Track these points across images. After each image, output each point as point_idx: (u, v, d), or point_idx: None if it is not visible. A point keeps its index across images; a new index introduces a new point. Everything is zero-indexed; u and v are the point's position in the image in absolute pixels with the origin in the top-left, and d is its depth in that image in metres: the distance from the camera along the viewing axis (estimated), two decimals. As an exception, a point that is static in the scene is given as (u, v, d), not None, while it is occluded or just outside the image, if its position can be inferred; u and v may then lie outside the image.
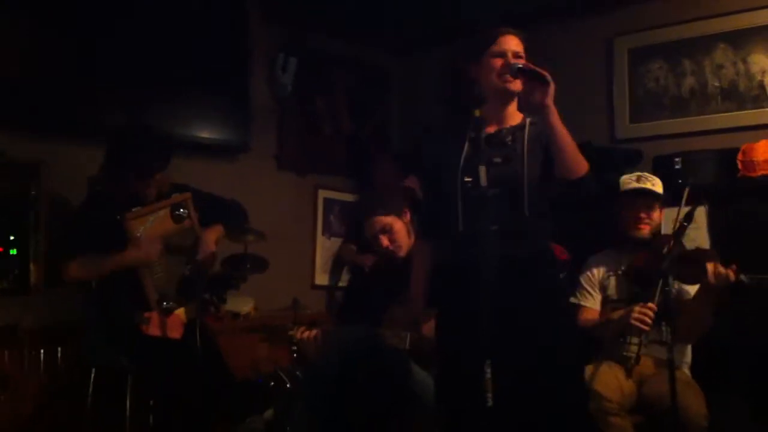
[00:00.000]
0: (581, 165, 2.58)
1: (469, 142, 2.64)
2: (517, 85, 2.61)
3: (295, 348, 4.04)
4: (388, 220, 3.63)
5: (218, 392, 3.39)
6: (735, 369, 3.67)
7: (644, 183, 3.55)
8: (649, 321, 3.21)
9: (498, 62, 2.64)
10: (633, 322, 3.23)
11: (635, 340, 3.37)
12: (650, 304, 3.22)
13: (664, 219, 3.67)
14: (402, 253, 3.65)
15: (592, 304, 3.58)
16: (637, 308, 3.26)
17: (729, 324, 3.44)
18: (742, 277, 3.12)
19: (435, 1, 4.74)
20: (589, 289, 3.61)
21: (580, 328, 3.39)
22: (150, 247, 3.35)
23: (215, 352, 3.50)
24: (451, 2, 4.72)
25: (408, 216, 3.70)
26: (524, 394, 2.47)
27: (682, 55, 4.49)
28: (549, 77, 2.48)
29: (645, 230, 3.51)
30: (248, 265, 4.24)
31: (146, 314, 3.31)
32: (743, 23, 4.27)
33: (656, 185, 3.57)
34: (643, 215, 3.51)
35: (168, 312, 3.34)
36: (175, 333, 3.35)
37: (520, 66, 2.57)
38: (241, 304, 4.40)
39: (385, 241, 3.63)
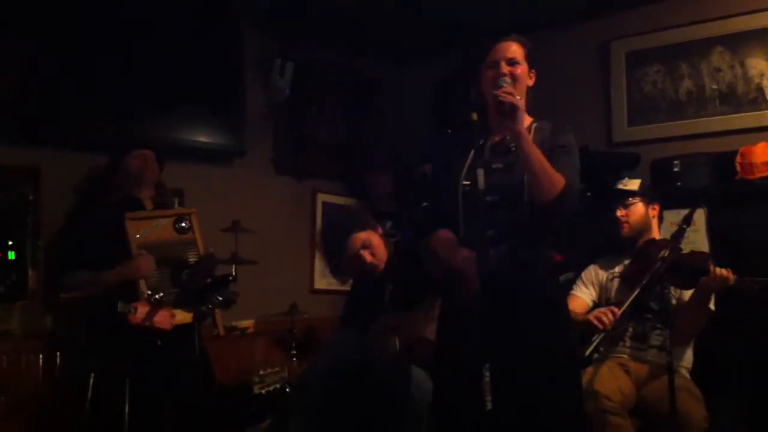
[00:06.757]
0: (555, 184, 2.50)
1: (474, 149, 2.63)
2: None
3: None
4: (366, 235, 3.63)
5: (211, 401, 3.36)
6: (734, 372, 3.68)
7: (618, 185, 3.71)
8: (607, 321, 3.24)
9: (490, 73, 2.65)
10: (591, 319, 3.29)
11: (629, 343, 3.50)
12: (613, 308, 3.28)
13: (664, 223, 3.69)
14: (383, 266, 3.63)
15: (581, 294, 3.68)
16: (599, 309, 3.35)
17: (728, 327, 3.44)
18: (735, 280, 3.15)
19: (430, 10, 4.73)
20: (585, 282, 3.72)
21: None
22: (143, 263, 3.34)
23: (204, 360, 3.47)
24: (446, 11, 4.72)
25: (379, 229, 3.70)
26: (522, 398, 2.46)
27: (679, 59, 4.49)
28: (515, 103, 2.46)
29: (624, 229, 3.63)
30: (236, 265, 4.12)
31: (133, 304, 3.18)
32: (740, 26, 4.28)
33: (628, 184, 3.69)
34: (619, 214, 3.63)
35: (157, 303, 3.23)
36: (164, 324, 3.21)
37: (496, 93, 2.51)
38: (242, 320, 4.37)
39: (368, 256, 3.61)
